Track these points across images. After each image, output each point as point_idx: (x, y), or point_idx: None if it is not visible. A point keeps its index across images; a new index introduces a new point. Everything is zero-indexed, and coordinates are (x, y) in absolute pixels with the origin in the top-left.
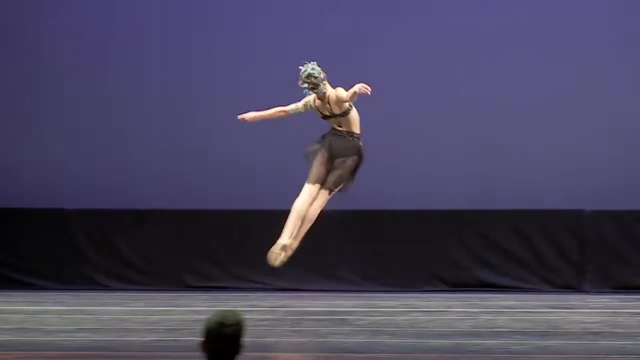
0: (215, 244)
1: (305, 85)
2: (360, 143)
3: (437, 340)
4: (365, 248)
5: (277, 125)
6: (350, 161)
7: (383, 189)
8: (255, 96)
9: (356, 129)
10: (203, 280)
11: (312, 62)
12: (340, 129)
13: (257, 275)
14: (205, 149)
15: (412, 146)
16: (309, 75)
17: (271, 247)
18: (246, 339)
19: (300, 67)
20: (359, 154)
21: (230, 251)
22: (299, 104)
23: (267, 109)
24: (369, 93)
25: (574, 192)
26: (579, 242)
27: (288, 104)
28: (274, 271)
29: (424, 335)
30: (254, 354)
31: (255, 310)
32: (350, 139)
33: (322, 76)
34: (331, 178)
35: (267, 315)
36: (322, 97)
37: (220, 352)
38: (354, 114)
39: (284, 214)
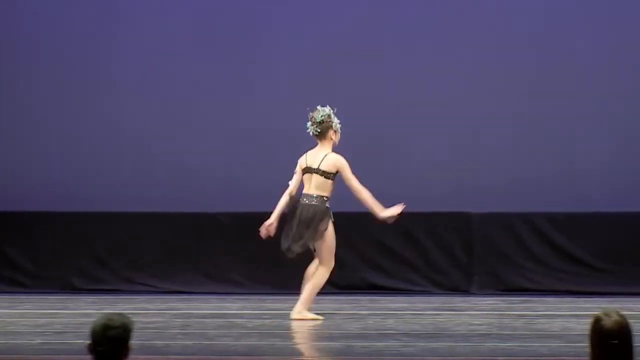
0: (103, 247)
1: (313, 127)
2: (327, 205)
3: (326, 342)
4: (253, 250)
5: (162, 127)
6: (318, 225)
7: (267, 191)
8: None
9: (327, 193)
10: (91, 283)
11: (329, 109)
12: (309, 193)
13: (145, 278)
14: (90, 152)
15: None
16: (322, 122)
17: (159, 248)
18: (134, 342)
19: (317, 110)
20: (327, 215)
21: (118, 254)
22: (295, 176)
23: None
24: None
25: (461, 195)
26: (466, 245)
27: (288, 186)
28: (162, 274)
29: (313, 337)
30: (142, 356)
31: (143, 312)
32: (318, 204)
33: (333, 125)
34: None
35: (155, 318)
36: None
37: (107, 355)
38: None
39: (175, 216)
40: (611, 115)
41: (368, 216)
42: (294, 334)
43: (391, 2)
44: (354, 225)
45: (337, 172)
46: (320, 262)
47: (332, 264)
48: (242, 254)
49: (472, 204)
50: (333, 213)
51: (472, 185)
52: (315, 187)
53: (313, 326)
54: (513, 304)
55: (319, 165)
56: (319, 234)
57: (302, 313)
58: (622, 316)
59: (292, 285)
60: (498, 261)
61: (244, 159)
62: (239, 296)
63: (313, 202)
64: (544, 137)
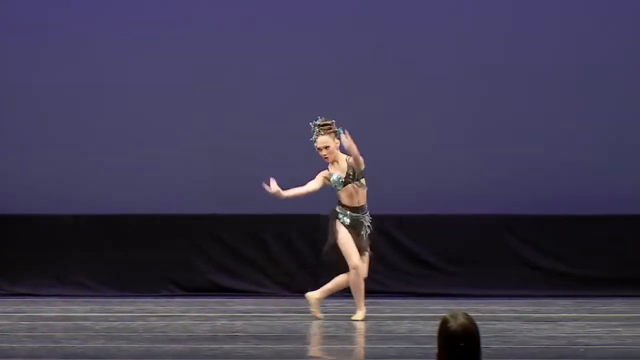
0: None
1: (317, 130)
2: (336, 208)
3: (173, 345)
4: (101, 253)
5: (43, 129)
6: (330, 228)
7: (122, 194)
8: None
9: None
10: None
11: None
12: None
13: None
14: None
15: (149, 150)
16: (325, 124)
17: (7, 251)
18: None
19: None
20: (334, 217)
21: None
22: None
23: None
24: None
25: (310, 197)
26: (314, 247)
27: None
28: (8, 276)
29: (160, 340)
30: None
31: None
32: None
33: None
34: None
35: (1, 321)
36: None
37: None
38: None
39: (21, 219)
40: (470, 116)
41: (215, 218)
42: (141, 337)
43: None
44: (200, 227)
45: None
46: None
47: (352, 261)
48: (90, 257)
49: (321, 206)
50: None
51: (322, 188)
52: None
53: (160, 328)
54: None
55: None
56: (332, 237)
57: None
58: (469, 318)
59: (140, 289)
60: (345, 263)
61: (91, 161)
62: (87, 299)
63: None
64: (397, 136)
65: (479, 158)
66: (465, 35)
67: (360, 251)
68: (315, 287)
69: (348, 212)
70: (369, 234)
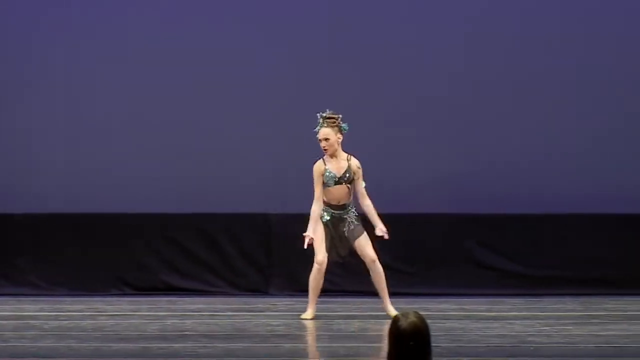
0: None
1: (322, 121)
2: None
3: (123, 344)
4: (52, 252)
5: None
6: None
7: (72, 192)
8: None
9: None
10: None
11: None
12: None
13: None
14: None
15: (100, 148)
16: (330, 117)
17: None
18: None
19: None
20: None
21: None
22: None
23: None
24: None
25: (260, 195)
26: (265, 246)
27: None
28: None
29: (109, 339)
30: None
31: None
32: None
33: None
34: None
35: None
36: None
37: None
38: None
39: None
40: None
41: (167, 217)
42: (90, 336)
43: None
44: (151, 226)
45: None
46: None
47: (317, 257)
48: (40, 255)
49: (271, 204)
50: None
51: (272, 186)
52: None
53: (110, 327)
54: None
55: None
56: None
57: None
58: (419, 317)
59: (91, 288)
60: (297, 262)
61: (41, 160)
62: (36, 298)
63: None
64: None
65: (432, 156)
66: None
67: (343, 247)
68: (266, 286)
69: (330, 209)
70: (355, 227)
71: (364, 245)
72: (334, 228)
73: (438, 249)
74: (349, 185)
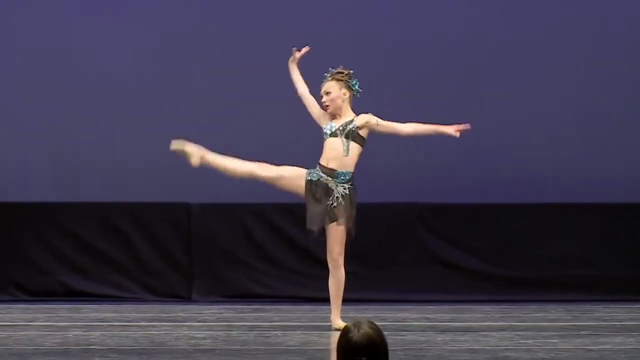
0: None
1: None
2: None
3: None
4: None
5: None
6: None
7: None
8: None
9: None
10: None
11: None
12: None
13: None
14: None
15: None
16: (339, 72)
17: None
18: None
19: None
20: None
21: None
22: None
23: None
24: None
25: (181, 184)
26: (185, 242)
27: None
28: None
29: (1, 354)
30: None
31: None
32: None
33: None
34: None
35: None
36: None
37: None
38: None
39: None
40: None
41: (64, 207)
42: None
43: None
44: (45, 218)
45: None
46: None
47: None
48: None
49: (192, 193)
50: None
51: (193, 172)
52: None
53: (1, 341)
54: (243, 312)
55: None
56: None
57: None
58: (373, 328)
59: None
60: (224, 261)
61: None
62: None
63: None
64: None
65: (385, 137)
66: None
67: (321, 220)
68: (189, 290)
69: (319, 170)
70: (338, 206)
71: (333, 236)
72: (321, 194)
73: (393, 246)
74: (345, 139)
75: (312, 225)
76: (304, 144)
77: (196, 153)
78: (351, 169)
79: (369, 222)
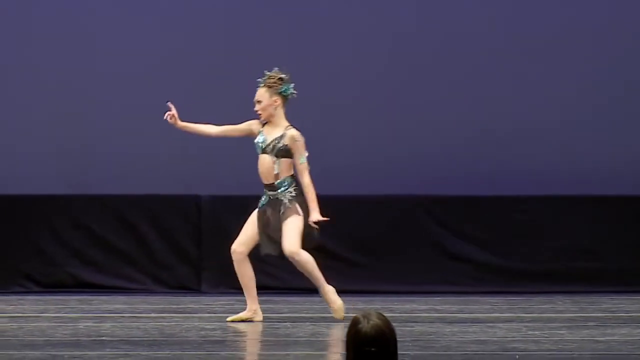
0: None
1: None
2: None
3: (27, 351)
4: None
5: None
6: None
7: None
8: None
9: None
10: None
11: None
12: None
13: None
14: None
15: None
16: (270, 77)
17: None
18: None
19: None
20: None
21: None
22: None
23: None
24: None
25: (189, 174)
26: (195, 234)
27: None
28: None
29: (12, 345)
30: None
31: None
32: None
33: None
34: None
35: None
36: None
37: None
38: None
39: None
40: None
41: (75, 199)
42: None
43: None
44: (57, 210)
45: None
46: None
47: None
48: None
49: (201, 185)
50: None
51: (203, 164)
52: None
53: (11, 331)
54: None
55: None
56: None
57: None
58: (383, 319)
59: None
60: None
61: None
62: None
63: None
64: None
65: (391, 128)
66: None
67: (275, 232)
68: (198, 282)
69: (265, 191)
70: (284, 211)
71: (285, 233)
72: (272, 215)
73: (400, 238)
74: (275, 157)
75: (266, 251)
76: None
77: None
78: (288, 173)
79: (377, 214)
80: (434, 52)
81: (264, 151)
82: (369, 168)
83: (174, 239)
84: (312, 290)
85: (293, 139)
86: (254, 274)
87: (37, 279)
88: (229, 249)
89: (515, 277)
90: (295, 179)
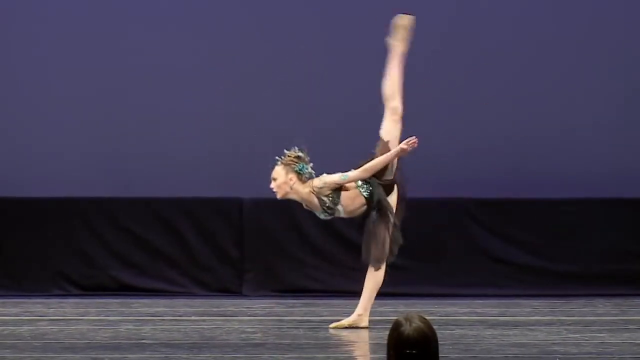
0: None
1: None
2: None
3: (68, 354)
4: None
5: None
6: None
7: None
8: None
9: None
10: None
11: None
12: None
13: None
14: None
15: (27, 122)
16: (288, 155)
17: None
18: None
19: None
20: None
21: None
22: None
23: None
24: None
25: (230, 177)
26: (237, 236)
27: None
28: None
29: (52, 348)
30: None
31: None
32: None
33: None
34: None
35: None
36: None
37: None
38: None
39: None
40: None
41: (117, 202)
42: (29, 345)
43: None
44: (99, 213)
45: None
46: None
47: None
48: None
49: (244, 187)
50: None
51: (245, 167)
52: None
53: (52, 334)
54: (293, 307)
55: None
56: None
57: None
58: (425, 322)
59: (27, 287)
60: (275, 256)
61: None
62: None
63: None
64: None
65: (435, 131)
66: None
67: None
68: (240, 284)
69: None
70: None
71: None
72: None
73: (442, 241)
74: (335, 206)
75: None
76: (353, 142)
77: None
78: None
79: (418, 217)
80: (483, 51)
81: (332, 214)
82: (413, 171)
83: (216, 241)
84: (353, 292)
85: (317, 188)
86: (293, 275)
87: (78, 282)
88: (271, 251)
89: (556, 279)
90: (364, 182)
